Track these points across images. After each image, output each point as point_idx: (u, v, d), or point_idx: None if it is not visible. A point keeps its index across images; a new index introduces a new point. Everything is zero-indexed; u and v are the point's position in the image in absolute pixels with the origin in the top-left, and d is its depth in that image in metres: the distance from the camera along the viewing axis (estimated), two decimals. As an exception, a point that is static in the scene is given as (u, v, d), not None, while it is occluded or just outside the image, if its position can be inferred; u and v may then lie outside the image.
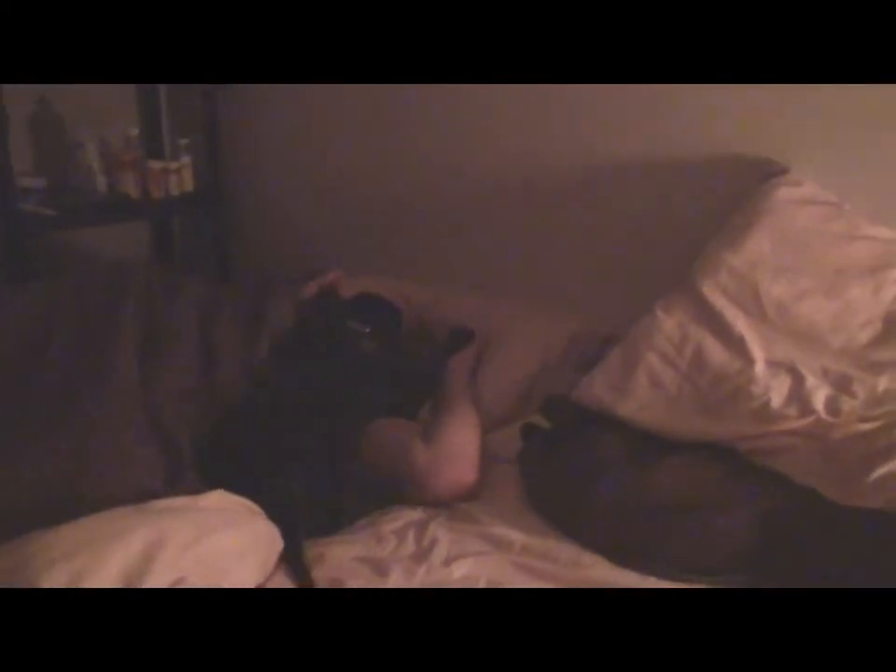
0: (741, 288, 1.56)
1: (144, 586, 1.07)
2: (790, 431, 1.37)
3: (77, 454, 1.31)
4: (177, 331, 1.63)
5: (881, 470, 1.26)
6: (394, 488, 1.54)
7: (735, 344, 1.50)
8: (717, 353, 1.51)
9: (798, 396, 1.41)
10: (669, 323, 1.56)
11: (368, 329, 1.76)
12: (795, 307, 1.52)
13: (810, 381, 1.43)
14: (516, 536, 1.38)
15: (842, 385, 1.41)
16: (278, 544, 1.32)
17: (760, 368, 1.46)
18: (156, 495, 1.30)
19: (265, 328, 1.69)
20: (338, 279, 1.87)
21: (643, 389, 1.52)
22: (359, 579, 1.27)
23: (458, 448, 1.57)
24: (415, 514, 1.48)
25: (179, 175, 2.51)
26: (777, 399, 1.41)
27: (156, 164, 2.48)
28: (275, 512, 1.39)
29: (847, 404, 1.38)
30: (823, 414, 1.37)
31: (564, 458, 1.51)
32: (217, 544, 1.18)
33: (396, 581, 1.27)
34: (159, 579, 1.09)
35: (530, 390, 1.77)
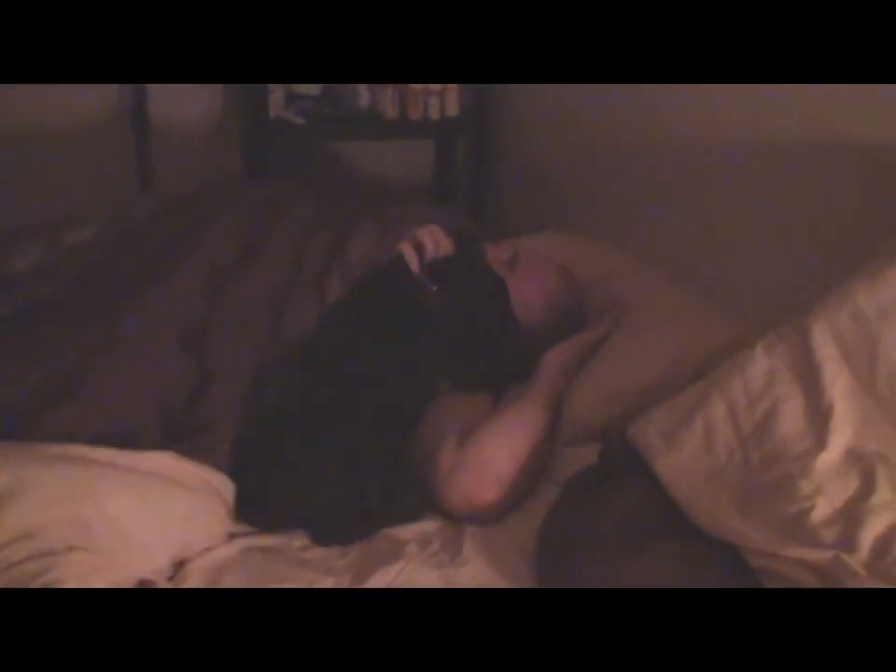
0: (858, 340, 1.12)
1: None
2: (802, 561, 0.97)
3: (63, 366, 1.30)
4: (263, 257, 1.53)
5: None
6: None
7: (819, 415, 1.09)
8: (790, 421, 1.11)
9: (851, 515, 0.99)
10: (760, 367, 1.18)
11: (435, 288, 1.52)
12: (917, 383, 1.05)
13: (881, 495, 0.99)
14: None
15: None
16: (200, 531, 1.24)
17: (827, 458, 1.05)
18: (131, 441, 1.27)
19: (341, 269, 1.53)
20: (433, 236, 1.62)
21: (692, 446, 1.17)
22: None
23: (487, 459, 1.35)
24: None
25: (442, 98, 2.41)
26: (822, 511, 1.00)
27: (417, 85, 2.40)
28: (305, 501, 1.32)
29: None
30: (863, 554, 0.95)
31: (573, 508, 1.23)
32: (95, 509, 1.13)
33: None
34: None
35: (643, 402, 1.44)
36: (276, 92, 2.35)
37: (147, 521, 1.18)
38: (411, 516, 1.35)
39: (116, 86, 2.38)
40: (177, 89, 2.34)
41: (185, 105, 2.48)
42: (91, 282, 1.48)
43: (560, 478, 1.37)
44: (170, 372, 1.37)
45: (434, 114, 2.42)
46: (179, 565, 1.22)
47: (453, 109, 2.44)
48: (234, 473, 1.32)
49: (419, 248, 1.54)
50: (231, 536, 1.29)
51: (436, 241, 1.56)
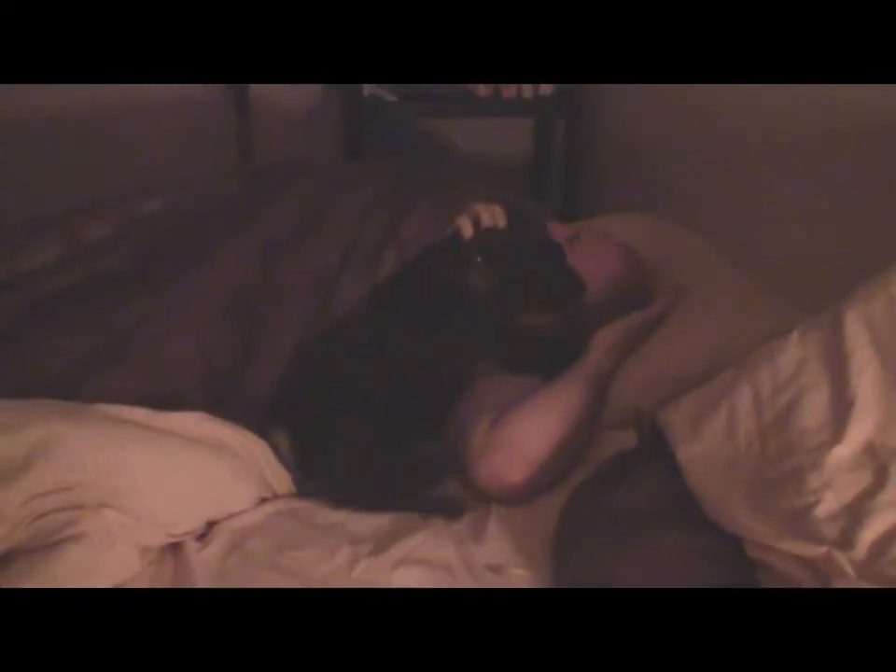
0: (892, 329, 1.05)
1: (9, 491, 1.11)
2: (796, 556, 0.93)
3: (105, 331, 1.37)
4: (319, 234, 1.56)
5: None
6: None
7: (840, 407, 1.03)
8: (812, 411, 1.05)
9: (856, 511, 0.93)
10: (791, 355, 1.12)
11: (479, 259, 1.50)
12: (947, 375, 0.98)
13: (890, 493, 0.93)
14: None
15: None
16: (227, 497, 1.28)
17: (842, 452, 0.99)
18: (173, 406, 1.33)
19: (395, 246, 1.53)
20: (490, 210, 1.58)
21: (714, 434, 1.13)
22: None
23: (517, 439, 1.34)
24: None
25: (536, 76, 2.38)
26: (828, 506, 0.95)
27: (510, 62, 2.38)
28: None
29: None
30: (861, 552, 0.90)
31: (593, 493, 1.21)
32: (126, 469, 1.17)
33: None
34: (33, 485, 1.11)
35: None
36: (371, 70, 2.38)
37: (177, 483, 1.22)
38: (447, 503, 1.35)
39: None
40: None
41: (285, 84, 2.54)
42: (153, 253, 1.54)
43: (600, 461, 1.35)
44: (216, 341, 1.42)
45: (527, 92, 2.40)
46: (209, 525, 1.27)
47: (547, 88, 2.41)
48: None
49: (475, 221, 1.54)
50: (263, 500, 1.33)
51: (493, 215, 1.55)
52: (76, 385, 1.32)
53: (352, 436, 1.38)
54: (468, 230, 1.52)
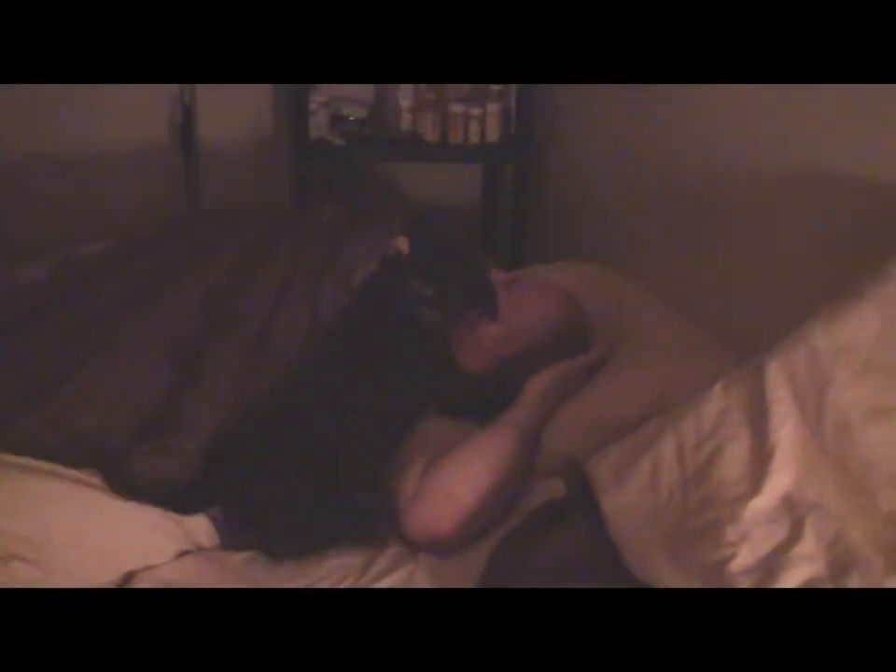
0: (812, 381, 1.05)
1: None
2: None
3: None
4: (257, 275, 1.56)
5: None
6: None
7: (759, 459, 1.03)
8: (732, 463, 1.05)
9: (770, 565, 0.93)
10: (714, 406, 1.12)
11: (430, 293, 1.50)
12: (861, 430, 0.98)
13: (804, 546, 0.93)
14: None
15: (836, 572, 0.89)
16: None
17: (759, 504, 0.99)
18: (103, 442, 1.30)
19: (333, 282, 1.54)
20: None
21: (638, 485, 1.12)
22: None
23: (446, 489, 1.32)
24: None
25: (482, 123, 2.40)
26: (743, 560, 0.95)
27: (457, 108, 2.40)
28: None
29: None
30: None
31: (518, 543, 1.19)
32: (36, 523, 1.15)
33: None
34: None
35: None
36: (319, 114, 2.39)
37: (92, 535, 1.19)
38: (374, 542, 1.33)
39: (165, 106, 2.46)
40: (226, 109, 2.41)
41: (233, 127, 2.54)
42: (88, 294, 1.52)
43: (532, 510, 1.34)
44: (149, 387, 1.39)
45: (474, 138, 2.41)
46: (127, 576, 1.23)
47: (493, 135, 2.43)
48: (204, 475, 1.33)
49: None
50: (184, 552, 1.30)
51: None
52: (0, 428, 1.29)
53: (290, 490, 1.35)
54: (403, 243, 1.53)
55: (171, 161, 2.50)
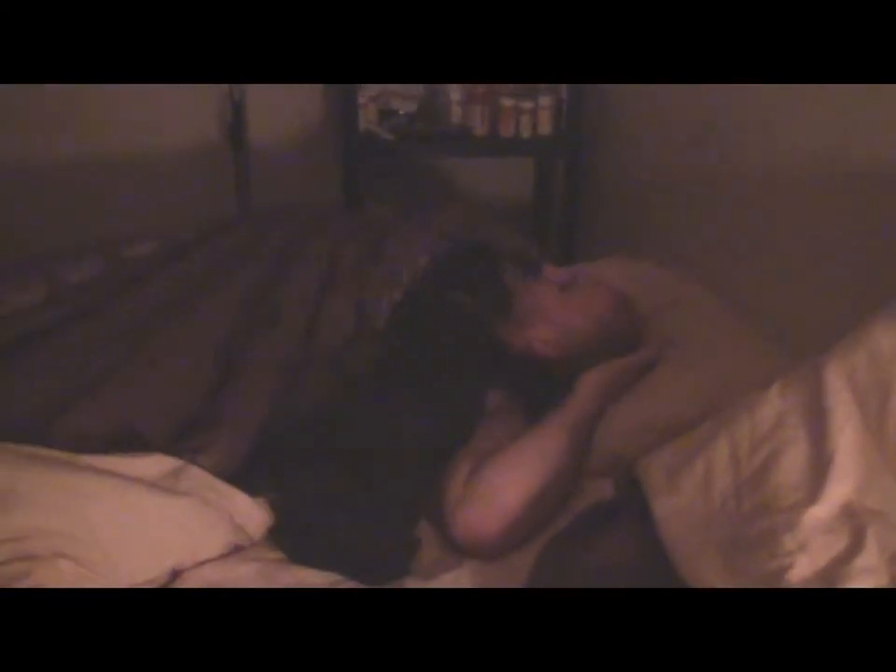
0: (875, 383, 1.01)
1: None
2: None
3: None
4: (297, 270, 1.55)
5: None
6: None
7: (818, 465, 0.99)
8: (789, 469, 1.01)
9: (830, 577, 0.89)
10: (770, 408, 1.08)
11: (470, 298, 1.47)
12: (929, 434, 0.94)
13: (866, 557, 0.89)
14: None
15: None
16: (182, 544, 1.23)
17: (818, 513, 0.95)
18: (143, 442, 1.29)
19: (378, 280, 1.52)
20: None
21: (691, 489, 1.09)
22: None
23: (497, 490, 1.29)
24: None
25: (534, 116, 2.37)
26: (801, 571, 0.91)
27: (508, 102, 2.37)
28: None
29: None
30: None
31: (565, 546, 1.17)
32: (83, 521, 1.14)
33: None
34: None
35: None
36: (369, 108, 2.38)
37: (138, 531, 1.18)
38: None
39: (214, 104, 2.46)
40: (276, 106, 2.40)
41: (282, 123, 2.54)
42: (135, 294, 1.53)
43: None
44: (195, 378, 1.39)
45: (526, 132, 2.38)
46: (175, 574, 1.23)
47: (545, 128, 2.39)
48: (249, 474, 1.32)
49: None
50: (238, 547, 1.29)
51: None
52: (42, 425, 1.29)
53: (339, 490, 1.33)
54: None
55: (221, 159, 2.50)
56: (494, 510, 1.28)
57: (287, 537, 1.30)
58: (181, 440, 1.32)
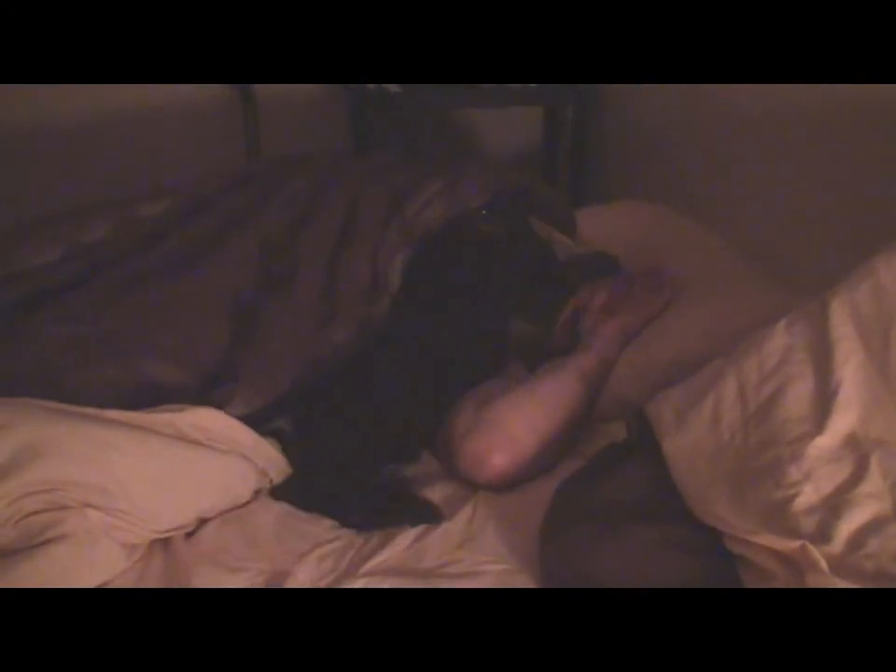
0: (877, 317, 1.03)
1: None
2: (774, 552, 0.91)
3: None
4: (316, 221, 1.57)
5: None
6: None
7: (823, 397, 1.01)
8: (795, 402, 1.03)
9: (835, 504, 0.91)
10: (777, 343, 1.10)
11: (484, 212, 1.51)
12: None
13: (869, 484, 0.91)
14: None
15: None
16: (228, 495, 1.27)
17: (822, 443, 0.98)
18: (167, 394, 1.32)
19: (398, 224, 1.53)
20: None
21: (700, 426, 1.12)
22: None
23: (504, 422, 1.31)
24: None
25: (542, 62, 2.35)
26: (807, 499, 0.94)
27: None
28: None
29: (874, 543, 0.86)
30: (838, 546, 0.88)
31: (579, 486, 1.20)
32: (110, 472, 1.18)
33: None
34: (19, 485, 1.11)
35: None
36: (376, 62, 2.37)
37: (163, 481, 1.21)
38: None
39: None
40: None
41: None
42: (150, 250, 1.55)
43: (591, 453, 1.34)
44: (212, 334, 1.42)
45: (533, 80, 2.37)
46: (202, 521, 1.27)
47: (553, 74, 2.38)
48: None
49: None
50: (257, 492, 1.32)
51: None
52: (63, 375, 1.32)
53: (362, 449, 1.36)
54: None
55: (231, 111, 2.51)
56: (500, 438, 1.30)
57: (300, 484, 1.34)
58: (204, 392, 1.36)
